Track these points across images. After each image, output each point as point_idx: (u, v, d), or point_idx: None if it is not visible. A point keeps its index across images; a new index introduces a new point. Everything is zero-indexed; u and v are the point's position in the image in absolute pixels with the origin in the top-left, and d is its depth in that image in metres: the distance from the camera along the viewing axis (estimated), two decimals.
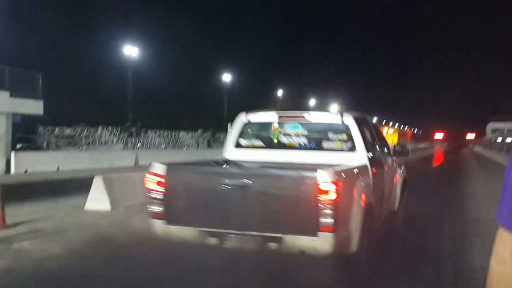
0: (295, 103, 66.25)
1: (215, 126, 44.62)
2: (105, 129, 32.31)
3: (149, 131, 35.69)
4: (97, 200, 10.08)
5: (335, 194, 4.45)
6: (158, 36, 60.38)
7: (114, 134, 32.45)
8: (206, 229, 4.90)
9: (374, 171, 6.01)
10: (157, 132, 36.29)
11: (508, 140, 50.64)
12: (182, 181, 5.15)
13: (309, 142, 6.32)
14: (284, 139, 6.43)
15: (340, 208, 4.53)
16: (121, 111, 39.62)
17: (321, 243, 4.48)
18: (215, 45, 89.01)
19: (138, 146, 32.27)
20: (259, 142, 6.58)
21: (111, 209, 9.92)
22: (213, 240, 4.90)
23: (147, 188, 5.15)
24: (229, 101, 53.16)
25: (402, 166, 8.23)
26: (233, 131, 6.74)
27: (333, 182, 4.45)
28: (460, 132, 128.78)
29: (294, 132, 6.40)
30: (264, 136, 6.56)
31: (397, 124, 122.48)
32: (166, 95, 54.65)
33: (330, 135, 6.21)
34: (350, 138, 6.08)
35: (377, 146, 6.86)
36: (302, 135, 6.35)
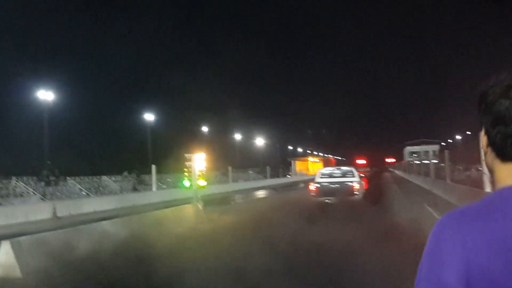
0: (221, 138, 66.20)
1: (140, 168, 43.22)
2: (19, 180, 30.21)
3: (68, 178, 33.83)
4: (6, 267, 9.11)
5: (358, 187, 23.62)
6: (75, 78, 58.35)
7: (30, 185, 30.40)
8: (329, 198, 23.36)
9: (363, 180, 24.66)
10: (78, 178, 34.48)
11: (425, 161, 53.40)
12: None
13: (343, 175, 24.57)
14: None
15: (359, 190, 23.55)
16: (37, 159, 37.41)
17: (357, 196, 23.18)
18: (137, 84, 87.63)
19: (56, 196, 30.42)
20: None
21: (22, 276, 9.00)
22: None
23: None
24: (153, 141, 52.07)
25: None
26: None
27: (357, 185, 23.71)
28: (380, 156, 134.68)
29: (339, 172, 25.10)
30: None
31: (321, 153, 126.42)
32: (86, 138, 52.51)
33: (347, 172, 24.72)
34: (353, 173, 24.50)
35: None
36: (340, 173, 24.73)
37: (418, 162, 54.71)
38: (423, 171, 40.18)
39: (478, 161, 18.00)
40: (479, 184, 18.00)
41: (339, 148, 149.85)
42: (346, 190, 23.14)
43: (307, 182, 60.69)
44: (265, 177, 65.04)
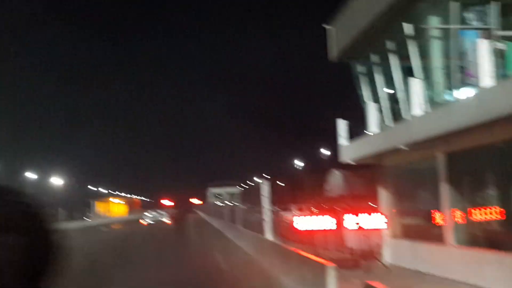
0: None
1: None
2: None
3: None
4: None
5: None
6: None
7: None
8: None
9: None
10: None
11: (228, 203, 54.78)
12: None
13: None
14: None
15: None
16: None
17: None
18: None
19: None
20: None
21: None
22: None
23: None
24: None
25: None
26: None
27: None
28: (186, 197, 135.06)
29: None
30: None
31: (124, 194, 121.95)
32: None
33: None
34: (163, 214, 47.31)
35: None
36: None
37: (221, 204, 55.90)
38: (224, 213, 40.84)
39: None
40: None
41: (147, 188, 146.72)
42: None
43: (109, 225, 57.33)
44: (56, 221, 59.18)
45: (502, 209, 11.77)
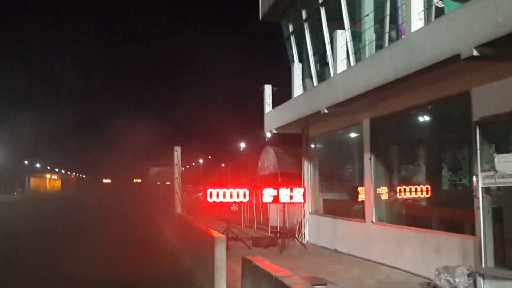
0: None
1: None
2: None
3: None
4: None
5: None
6: None
7: None
8: None
9: None
10: None
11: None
12: None
13: None
14: None
15: None
16: None
17: None
18: None
19: None
20: None
21: None
22: None
23: None
24: None
25: None
26: None
27: None
28: (128, 177, 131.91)
29: None
30: None
31: (63, 171, 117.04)
32: None
33: None
34: None
35: None
36: None
37: (158, 183, 53.93)
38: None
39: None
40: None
41: (88, 165, 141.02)
42: None
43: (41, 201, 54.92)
44: None
45: (426, 184, 10.42)
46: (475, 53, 6.43)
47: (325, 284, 6.05)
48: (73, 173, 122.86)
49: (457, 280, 7.42)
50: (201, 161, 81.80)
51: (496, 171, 7.28)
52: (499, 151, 7.43)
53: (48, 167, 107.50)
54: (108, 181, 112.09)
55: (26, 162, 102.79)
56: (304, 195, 13.68)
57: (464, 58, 6.72)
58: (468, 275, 7.48)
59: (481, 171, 7.61)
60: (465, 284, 7.45)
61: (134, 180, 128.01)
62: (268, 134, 15.78)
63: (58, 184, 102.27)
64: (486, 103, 7.81)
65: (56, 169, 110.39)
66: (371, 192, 11.49)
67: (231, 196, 13.28)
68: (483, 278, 7.52)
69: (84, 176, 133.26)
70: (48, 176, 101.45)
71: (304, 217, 14.93)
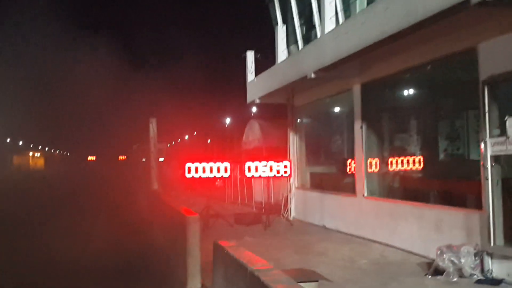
0: None
1: None
2: None
3: None
4: None
5: None
6: None
7: None
8: None
9: None
10: None
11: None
12: None
13: None
14: None
15: None
16: None
17: None
18: None
19: None
20: None
21: None
22: None
23: None
24: None
25: None
26: None
27: None
28: (114, 155, 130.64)
29: None
30: None
31: (46, 148, 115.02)
32: None
33: None
34: None
35: None
36: None
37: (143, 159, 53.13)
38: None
39: None
40: None
41: (72, 143, 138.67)
42: None
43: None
44: None
45: (423, 155, 9.49)
46: None
47: (316, 281, 5.00)
48: (57, 151, 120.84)
49: (462, 260, 6.54)
50: (186, 137, 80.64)
51: (508, 137, 6.35)
52: (511, 113, 6.49)
53: (31, 145, 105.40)
54: (93, 158, 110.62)
55: (8, 140, 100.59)
56: (290, 168, 12.73)
57: (475, 3, 5.71)
58: (475, 255, 6.61)
59: (490, 137, 6.68)
60: (471, 265, 6.58)
61: (120, 157, 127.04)
62: (254, 108, 14.83)
63: (41, 162, 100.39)
64: (495, 60, 6.83)
65: (40, 147, 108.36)
66: (362, 163, 10.55)
67: (211, 170, 12.26)
68: (491, 258, 6.67)
69: (68, 154, 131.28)
70: (31, 154, 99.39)
71: (290, 192, 14.01)
